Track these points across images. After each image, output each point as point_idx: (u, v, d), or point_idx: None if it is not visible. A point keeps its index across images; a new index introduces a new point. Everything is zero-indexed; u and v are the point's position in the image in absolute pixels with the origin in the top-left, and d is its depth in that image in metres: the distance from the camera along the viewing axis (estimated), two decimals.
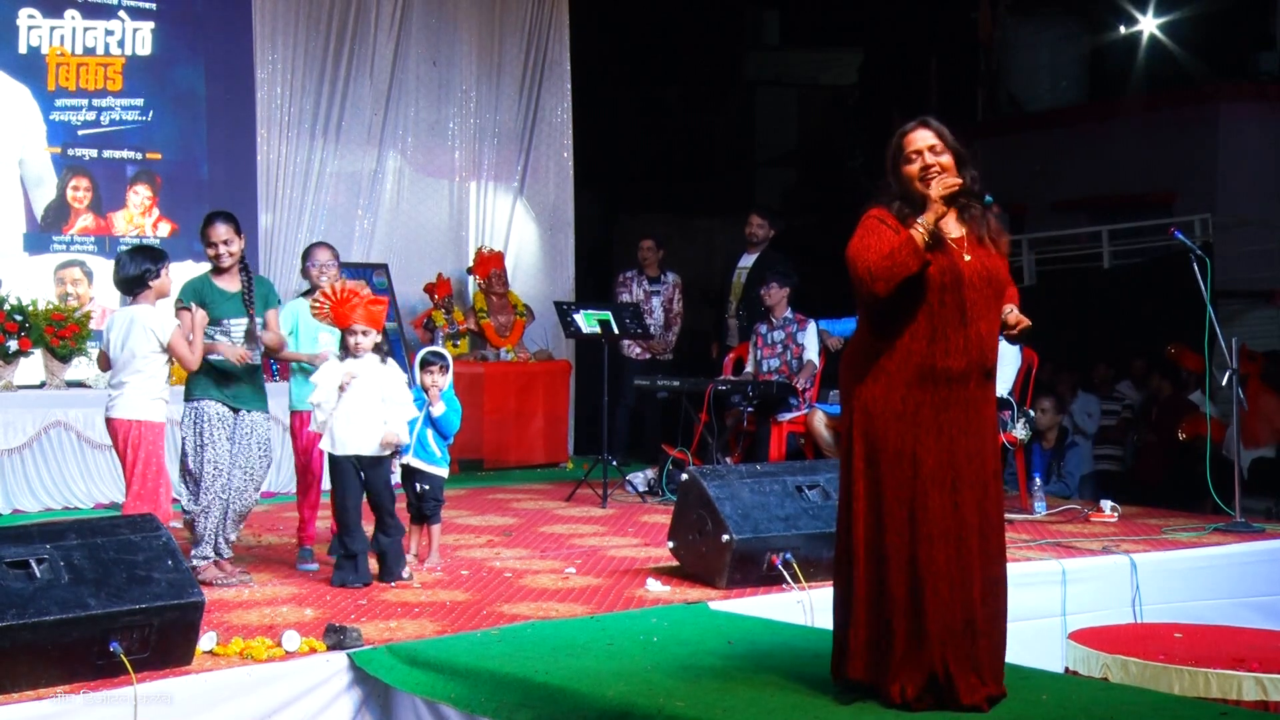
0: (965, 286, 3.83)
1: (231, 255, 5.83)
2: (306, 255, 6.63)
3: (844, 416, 4.00)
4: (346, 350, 5.77)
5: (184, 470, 5.81)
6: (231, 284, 5.87)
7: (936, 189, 3.81)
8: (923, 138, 3.89)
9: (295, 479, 6.61)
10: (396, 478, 6.16)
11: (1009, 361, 7.84)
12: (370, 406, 5.71)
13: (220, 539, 5.81)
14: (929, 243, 3.78)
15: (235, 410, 5.82)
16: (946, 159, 3.87)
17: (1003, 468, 4.08)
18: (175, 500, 5.92)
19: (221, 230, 5.82)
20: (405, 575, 5.80)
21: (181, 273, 6.25)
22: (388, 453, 5.79)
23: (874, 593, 3.84)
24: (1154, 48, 16.99)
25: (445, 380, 6.16)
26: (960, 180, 3.83)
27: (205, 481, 5.74)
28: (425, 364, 6.15)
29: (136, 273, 5.69)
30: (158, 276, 5.69)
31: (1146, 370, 11.38)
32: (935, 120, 3.94)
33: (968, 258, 3.85)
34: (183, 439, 5.82)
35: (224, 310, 5.82)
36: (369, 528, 5.89)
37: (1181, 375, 10.57)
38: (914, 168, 3.88)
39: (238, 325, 5.85)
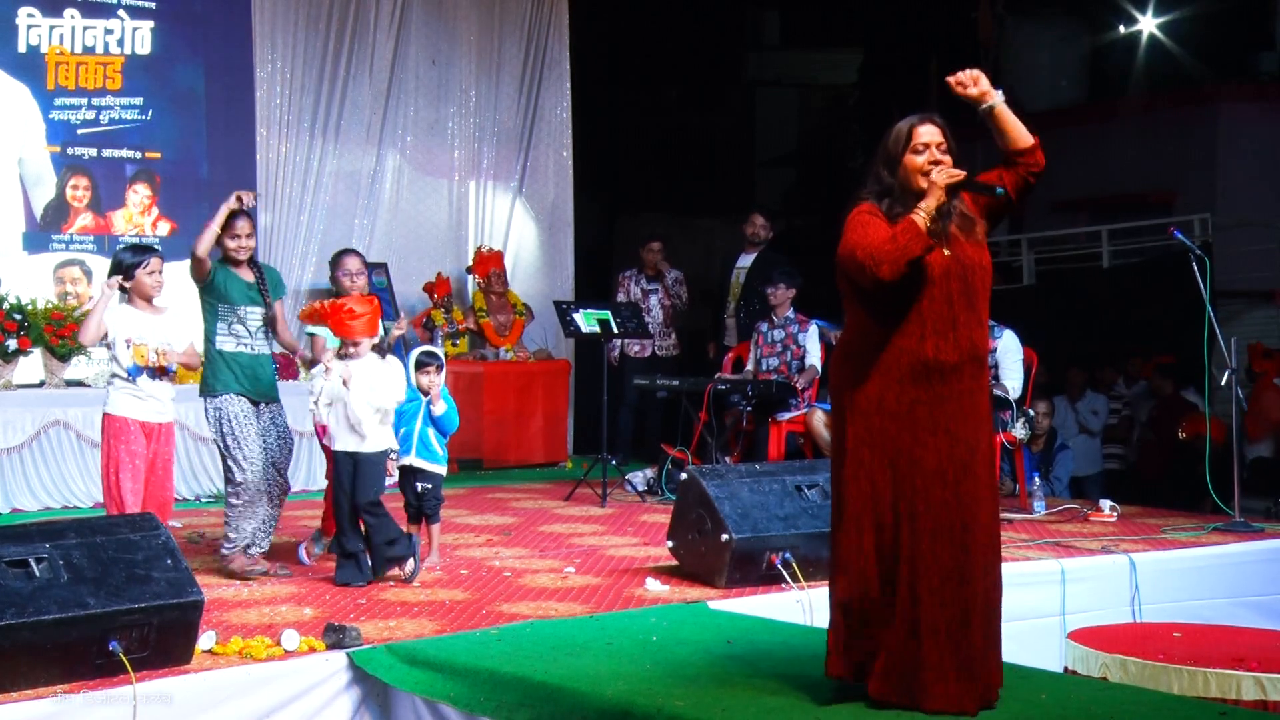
0: (954, 278, 3.83)
1: (247, 249, 5.89)
2: (335, 263, 6.69)
3: (835, 416, 3.99)
4: (343, 353, 5.82)
5: (223, 464, 5.89)
6: (246, 274, 5.91)
7: (940, 176, 3.80)
8: (931, 133, 3.89)
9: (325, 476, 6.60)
10: (394, 479, 6.16)
11: (1015, 360, 7.83)
12: (364, 405, 5.74)
13: (257, 536, 5.92)
14: (930, 228, 3.78)
15: (256, 403, 5.89)
16: (948, 160, 3.88)
17: (999, 466, 4.08)
18: (186, 500, 5.94)
19: (243, 224, 5.87)
20: (407, 573, 5.80)
21: (180, 272, 6.24)
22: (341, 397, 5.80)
23: (873, 591, 3.83)
24: (1154, 48, 16.98)
25: (441, 379, 6.18)
26: (964, 171, 3.83)
27: (243, 477, 5.79)
28: (420, 365, 6.17)
29: (112, 270, 5.75)
30: (131, 277, 5.68)
31: (1115, 376, 11.43)
32: (940, 119, 3.94)
33: (946, 253, 3.85)
34: (215, 438, 5.89)
35: (242, 298, 5.87)
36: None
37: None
38: (922, 160, 3.86)
39: (254, 313, 5.90)
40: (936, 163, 3.86)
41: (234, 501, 5.83)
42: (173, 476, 5.94)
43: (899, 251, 3.73)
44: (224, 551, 5.85)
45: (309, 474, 8.52)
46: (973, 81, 3.82)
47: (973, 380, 3.87)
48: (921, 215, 3.77)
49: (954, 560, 3.78)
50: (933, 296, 3.82)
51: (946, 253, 3.84)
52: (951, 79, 3.82)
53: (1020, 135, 3.88)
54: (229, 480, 5.86)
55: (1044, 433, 9.19)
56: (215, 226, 5.75)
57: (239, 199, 5.76)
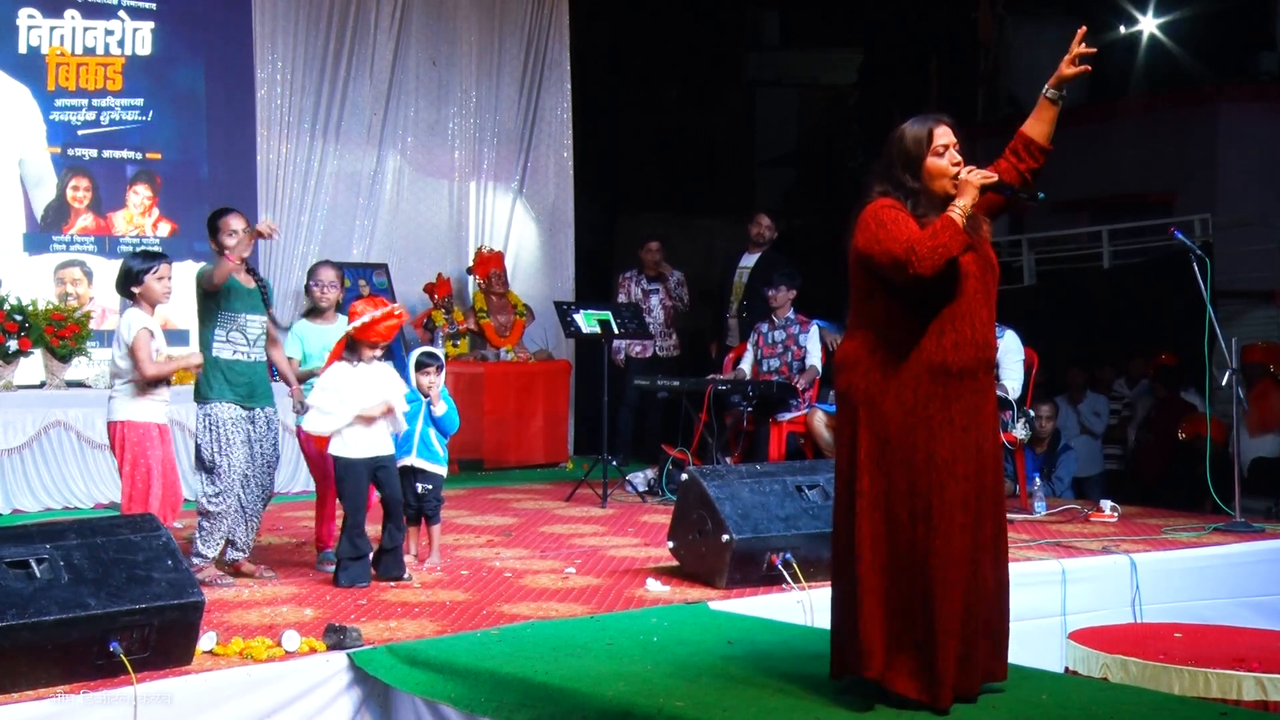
0: (971, 278, 3.84)
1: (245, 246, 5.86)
2: (310, 273, 6.64)
3: (845, 414, 3.96)
4: (359, 357, 5.81)
5: (200, 470, 5.82)
6: (247, 280, 5.88)
7: (975, 176, 3.81)
8: (948, 135, 3.89)
9: (314, 486, 6.55)
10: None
11: (1016, 360, 7.83)
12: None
13: (239, 539, 5.88)
14: (965, 226, 3.79)
15: (249, 409, 5.84)
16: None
17: (1002, 466, 4.09)
18: (187, 500, 5.91)
19: (239, 221, 5.83)
20: (406, 575, 5.81)
21: (181, 272, 6.25)
22: (382, 413, 5.86)
23: (884, 588, 3.81)
24: (1154, 48, 16.99)
25: (441, 380, 6.19)
26: (995, 174, 3.85)
27: (222, 485, 5.75)
28: (421, 366, 6.18)
29: (121, 276, 5.71)
30: (140, 282, 5.64)
31: (1115, 377, 11.46)
32: (949, 119, 3.95)
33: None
34: (198, 444, 5.82)
35: (243, 305, 5.83)
36: (373, 529, 5.90)
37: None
38: (944, 162, 3.86)
39: (254, 321, 5.87)
40: (957, 163, 3.86)
41: (209, 509, 5.74)
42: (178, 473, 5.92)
43: (942, 249, 3.73)
44: (194, 562, 5.68)
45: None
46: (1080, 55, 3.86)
47: (984, 379, 3.90)
48: (958, 213, 3.78)
49: (965, 557, 3.78)
50: (952, 294, 3.82)
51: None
52: (1079, 43, 3.84)
53: (1051, 133, 3.95)
54: (206, 487, 5.77)
55: (1047, 435, 9.18)
56: (235, 259, 5.74)
57: (265, 229, 5.83)
